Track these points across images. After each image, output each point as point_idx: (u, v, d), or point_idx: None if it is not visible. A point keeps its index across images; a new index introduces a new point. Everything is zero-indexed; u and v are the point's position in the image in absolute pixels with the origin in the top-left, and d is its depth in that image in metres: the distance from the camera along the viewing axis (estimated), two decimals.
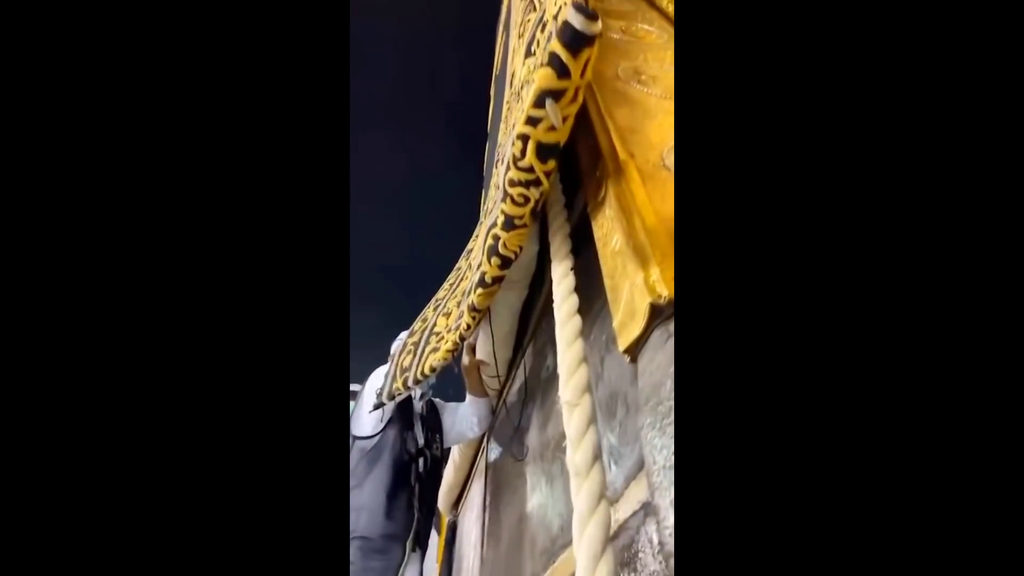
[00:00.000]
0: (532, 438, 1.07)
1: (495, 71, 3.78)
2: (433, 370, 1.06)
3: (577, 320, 0.55)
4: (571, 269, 0.62)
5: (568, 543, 0.72)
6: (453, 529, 2.15)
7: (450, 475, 2.03)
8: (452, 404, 1.56)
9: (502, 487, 1.33)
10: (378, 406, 1.23)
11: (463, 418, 1.52)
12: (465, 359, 1.27)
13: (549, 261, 0.67)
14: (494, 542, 1.32)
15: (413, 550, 1.27)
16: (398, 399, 1.21)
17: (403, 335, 1.58)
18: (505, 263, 0.83)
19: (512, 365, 1.37)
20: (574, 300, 0.58)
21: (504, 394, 1.42)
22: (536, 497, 0.97)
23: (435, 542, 2.82)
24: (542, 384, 1.06)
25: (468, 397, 1.54)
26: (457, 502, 2.18)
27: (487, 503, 1.47)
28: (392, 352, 1.56)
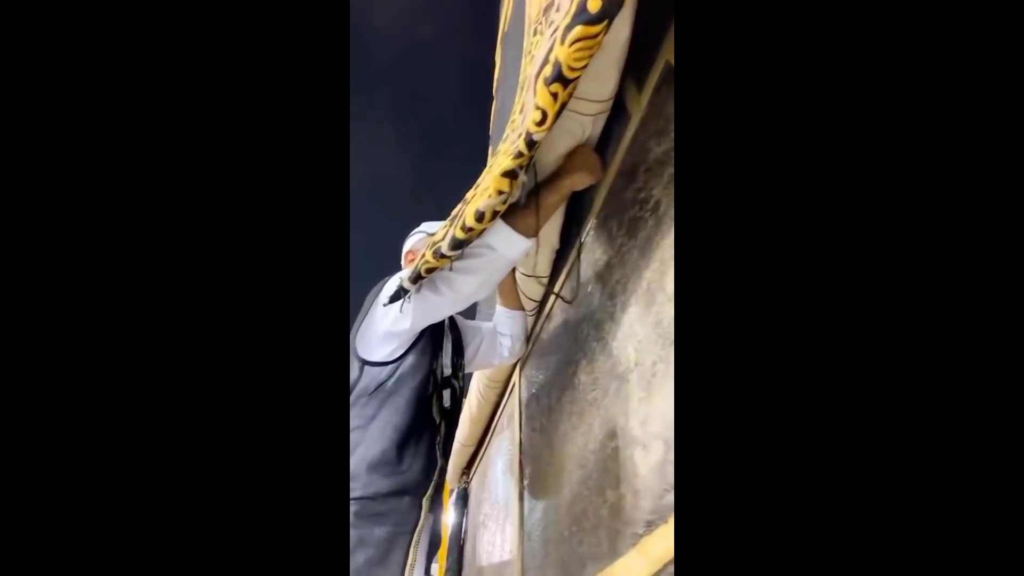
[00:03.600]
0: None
1: (501, 31, 3.63)
2: (480, 217, 0.73)
3: None
4: None
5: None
6: (465, 498, 1.80)
7: (464, 428, 1.68)
8: (473, 322, 1.23)
9: (546, 430, 1.00)
10: (397, 296, 0.89)
11: (490, 339, 1.19)
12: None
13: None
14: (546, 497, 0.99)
15: (431, 510, 0.94)
16: (424, 281, 0.87)
17: (419, 229, 1.25)
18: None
19: (559, 266, 1.04)
20: None
21: (549, 306, 1.09)
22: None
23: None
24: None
25: (499, 310, 1.21)
26: (469, 465, 1.83)
27: (523, 453, 1.13)
28: (405, 251, 1.24)
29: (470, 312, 1.56)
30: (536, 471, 0.98)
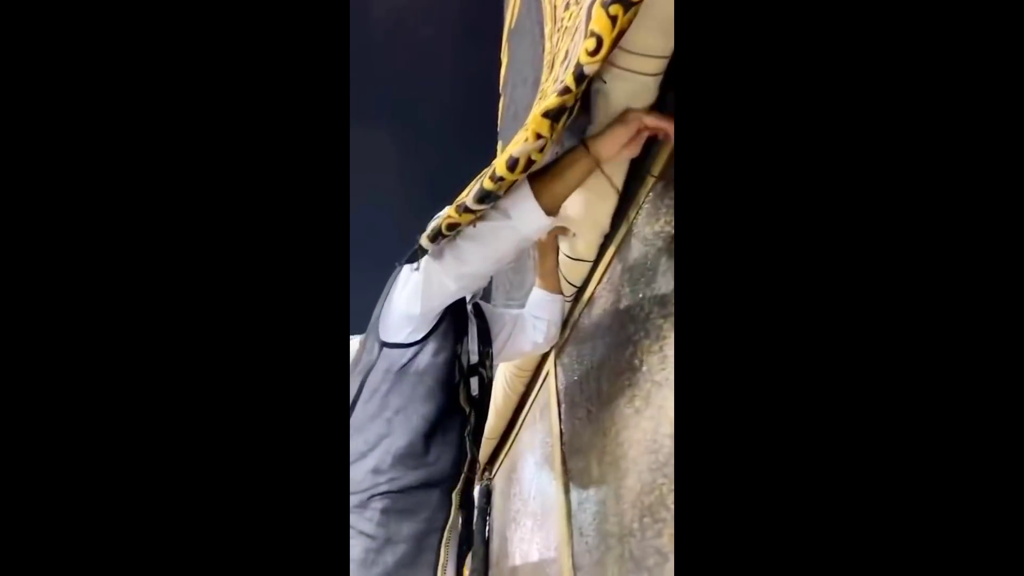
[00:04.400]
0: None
1: (507, 28, 3.61)
2: (513, 165, 0.67)
3: None
4: None
5: None
6: (488, 495, 1.73)
7: (488, 420, 1.62)
8: (500, 310, 1.16)
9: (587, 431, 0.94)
10: (414, 256, 0.82)
11: (522, 325, 1.12)
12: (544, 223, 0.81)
13: None
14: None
15: (461, 506, 0.87)
16: (445, 239, 0.79)
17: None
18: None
19: (606, 246, 0.98)
20: None
21: (592, 287, 1.03)
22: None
23: None
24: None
25: (536, 293, 1.14)
26: (492, 460, 1.77)
27: (564, 445, 1.07)
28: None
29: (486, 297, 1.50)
30: (585, 462, 0.92)
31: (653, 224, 0.82)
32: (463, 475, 0.86)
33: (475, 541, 1.66)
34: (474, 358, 0.97)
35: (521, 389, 1.43)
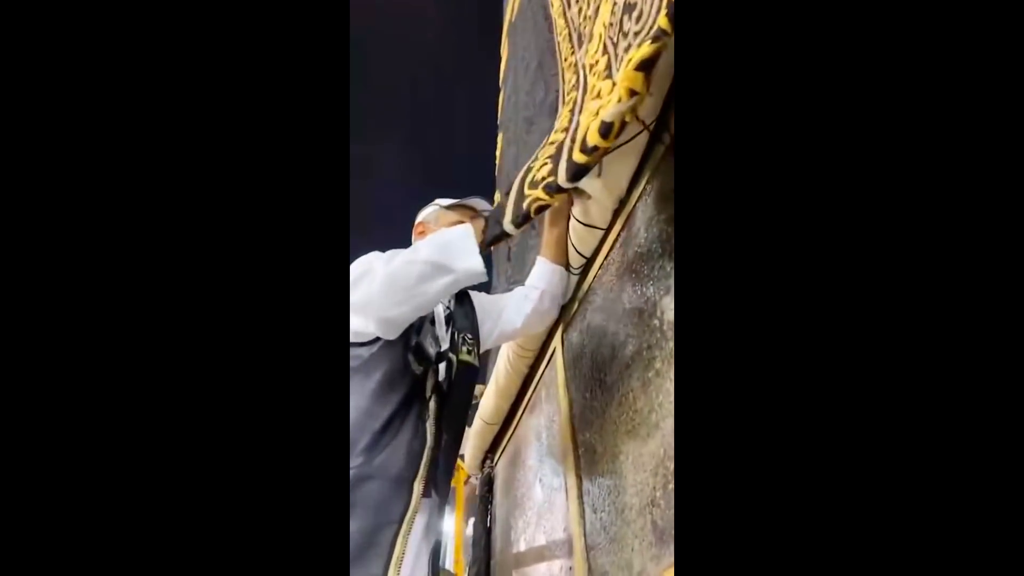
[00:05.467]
0: None
1: (507, 23, 3.60)
2: (607, 131, 0.60)
3: None
4: None
5: None
6: (489, 484, 1.67)
7: (488, 403, 1.56)
8: (489, 296, 1.11)
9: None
10: (498, 238, 0.78)
11: (517, 304, 1.06)
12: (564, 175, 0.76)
13: None
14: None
15: (426, 495, 0.80)
16: (518, 233, 0.75)
17: (434, 203, 1.13)
18: None
19: (619, 211, 0.93)
20: None
21: (603, 258, 0.98)
22: None
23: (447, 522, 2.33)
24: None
25: (541, 264, 1.09)
26: (494, 447, 1.71)
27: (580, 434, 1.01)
28: (417, 222, 1.12)
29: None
30: (599, 434, 0.86)
31: (667, 191, 0.77)
32: (424, 463, 0.80)
33: (475, 533, 1.60)
34: (444, 344, 0.92)
35: (524, 370, 1.37)
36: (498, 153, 2.91)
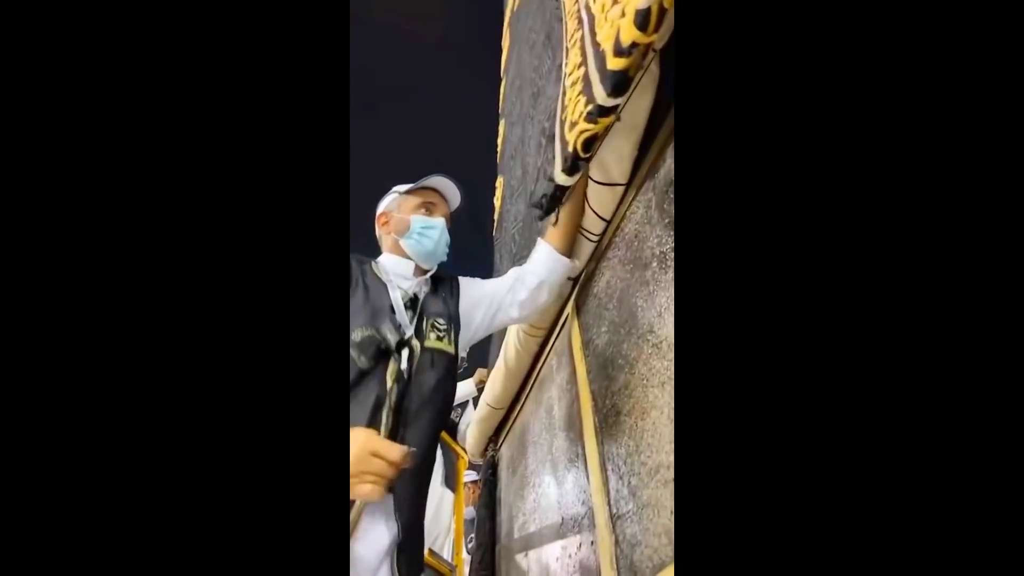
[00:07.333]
0: None
1: (509, 12, 3.60)
2: (644, 22, 0.55)
3: None
4: None
5: None
6: (493, 469, 1.61)
7: (496, 386, 1.49)
8: (484, 283, 1.05)
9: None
10: (555, 199, 0.73)
11: (512, 291, 1.01)
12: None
13: None
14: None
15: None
16: (574, 181, 0.70)
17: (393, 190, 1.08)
18: None
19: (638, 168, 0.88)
20: None
21: (619, 219, 0.92)
22: None
23: (447, 500, 2.25)
24: None
25: (542, 247, 1.03)
26: (498, 432, 1.64)
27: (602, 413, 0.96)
28: (379, 212, 1.07)
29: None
30: (626, 392, 0.81)
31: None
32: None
33: (480, 515, 1.54)
34: (407, 332, 0.87)
35: (535, 348, 1.31)
36: (499, 140, 2.87)
